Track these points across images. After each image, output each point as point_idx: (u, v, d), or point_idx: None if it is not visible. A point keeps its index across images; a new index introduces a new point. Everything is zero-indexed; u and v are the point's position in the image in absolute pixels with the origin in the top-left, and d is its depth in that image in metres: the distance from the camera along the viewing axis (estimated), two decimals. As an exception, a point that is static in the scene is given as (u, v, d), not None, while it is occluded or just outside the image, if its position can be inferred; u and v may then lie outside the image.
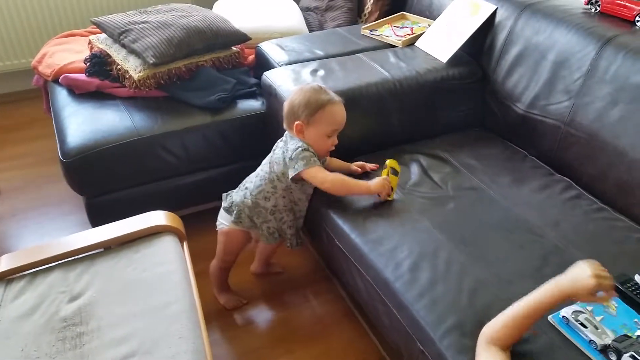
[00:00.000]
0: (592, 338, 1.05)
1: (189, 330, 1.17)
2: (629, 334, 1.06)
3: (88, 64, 2.00)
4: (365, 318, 1.69)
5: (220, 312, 1.74)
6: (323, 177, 1.47)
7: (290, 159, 1.47)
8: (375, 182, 1.47)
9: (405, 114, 1.80)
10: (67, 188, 1.89)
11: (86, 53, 2.09)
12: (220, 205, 1.63)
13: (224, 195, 1.63)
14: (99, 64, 1.99)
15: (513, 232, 1.37)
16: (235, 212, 1.57)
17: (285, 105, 1.52)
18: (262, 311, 1.77)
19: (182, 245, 1.46)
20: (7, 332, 1.19)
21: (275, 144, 1.58)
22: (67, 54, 2.19)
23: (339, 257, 1.49)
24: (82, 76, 1.99)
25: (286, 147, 1.51)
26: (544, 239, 1.35)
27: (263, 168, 1.58)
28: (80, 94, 1.98)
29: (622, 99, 1.48)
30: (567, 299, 1.04)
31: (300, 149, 1.47)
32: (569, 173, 1.62)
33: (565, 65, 1.62)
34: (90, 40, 2.12)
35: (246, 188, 1.59)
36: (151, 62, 1.85)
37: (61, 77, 2.02)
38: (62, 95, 2.00)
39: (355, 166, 1.63)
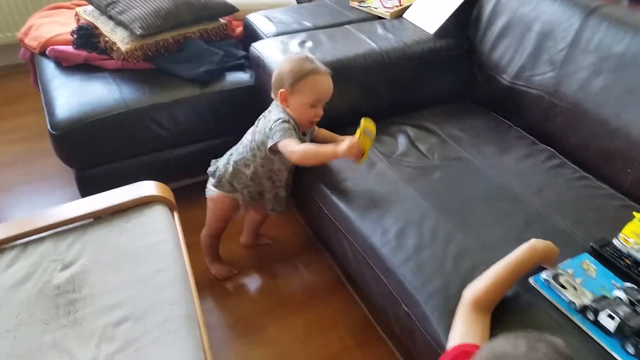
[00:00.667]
0: (572, 299, 1.08)
1: (181, 297, 1.20)
2: (607, 295, 1.10)
3: (75, 36, 1.98)
4: (354, 286, 1.73)
5: (212, 282, 1.77)
6: (292, 148, 1.43)
7: (270, 129, 1.48)
8: (343, 146, 1.38)
9: (392, 86, 1.81)
10: (57, 163, 1.90)
11: (73, 25, 2.07)
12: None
13: (212, 161, 1.65)
14: (87, 36, 1.98)
15: (497, 200, 1.41)
16: (217, 176, 1.60)
17: (273, 74, 1.53)
18: (253, 281, 1.80)
19: (173, 215, 1.48)
20: (1, 300, 1.21)
21: (262, 114, 1.59)
22: (54, 26, 2.17)
23: (328, 226, 1.52)
24: (69, 48, 1.98)
25: (269, 116, 1.53)
26: (527, 206, 1.38)
27: (246, 137, 1.60)
28: (68, 66, 1.97)
29: (605, 69, 1.50)
30: (540, 263, 1.09)
31: (280, 120, 1.47)
32: (553, 143, 1.65)
33: (550, 36, 1.64)
34: (77, 12, 2.10)
35: (231, 154, 1.61)
36: (138, 33, 1.85)
37: (48, 49, 2.01)
38: (49, 67, 1.99)
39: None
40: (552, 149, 1.63)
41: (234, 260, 1.83)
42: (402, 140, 1.66)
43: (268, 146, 1.48)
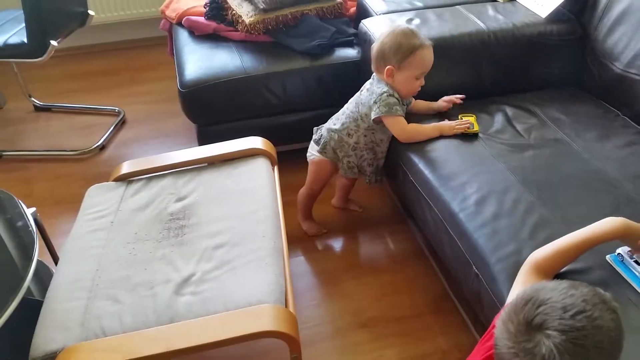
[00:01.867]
0: None
1: (271, 232, 1.35)
2: None
3: (207, 8, 2.22)
4: (435, 258, 1.78)
5: (302, 237, 1.92)
6: (401, 129, 1.59)
7: (375, 102, 1.58)
8: (446, 123, 1.56)
9: (497, 66, 1.82)
10: (182, 123, 2.15)
11: (207, 0, 2.32)
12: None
13: (315, 128, 1.79)
14: (217, 8, 2.21)
15: (588, 182, 1.39)
16: (322, 143, 1.72)
17: (375, 48, 1.61)
18: (338, 241, 1.92)
19: (273, 168, 1.64)
20: (126, 219, 1.44)
21: (364, 85, 1.69)
22: (191, 0, 2.43)
23: (412, 193, 1.60)
24: (201, 19, 2.23)
25: (372, 89, 1.62)
26: (619, 190, 1.35)
27: (349, 107, 1.71)
28: (199, 35, 2.22)
29: None
30: (617, 238, 1.07)
31: (385, 94, 1.57)
32: (662, 135, 1.58)
33: (670, 22, 1.57)
34: (210, -13, 2.34)
35: (334, 124, 1.72)
36: (262, 7, 2.04)
37: (184, 19, 2.27)
38: (183, 35, 2.26)
39: (443, 102, 1.70)
40: (660, 141, 1.56)
41: (325, 221, 1.97)
42: (499, 118, 1.68)
43: (372, 117, 1.59)
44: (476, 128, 1.59)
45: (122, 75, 2.99)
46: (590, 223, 1.14)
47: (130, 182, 1.59)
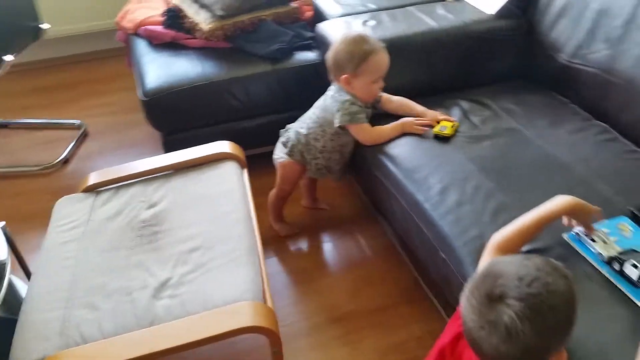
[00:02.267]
0: (600, 251, 1.15)
1: (244, 233, 1.38)
2: (636, 249, 1.15)
3: (164, 17, 2.23)
4: (405, 250, 1.84)
5: (275, 238, 1.95)
6: (365, 135, 1.65)
7: (338, 110, 1.63)
8: (407, 120, 1.60)
9: (450, 63, 1.90)
10: (146, 133, 2.15)
11: (163, 9, 2.32)
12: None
13: (281, 131, 1.82)
14: (174, 17, 2.22)
15: (542, 167, 1.47)
16: (289, 146, 1.76)
17: (329, 58, 1.65)
18: (311, 240, 1.97)
19: (243, 171, 1.67)
20: (97, 229, 1.45)
21: (328, 89, 1.74)
22: (147, 10, 2.43)
23: (379, 187, 1.65)
24: (159, 28, 2.23)
25: (335, 96, 1.66)
26: (571, 173, 1.44)
27: (315, 112, 1.75)
28: (157, 44, 2.23)
29: (660, 44, 1.52)
30: (567, 214, 1.15)
31: (347, 102, 1.62)
32: (608, 120, 1.67)
33: (607, 13, 1.67)
34: (167, -3, 2.36)
35: (301, 127, 1.76)
36: (219, 14, 2.06)
37: (141, 28, 2.27)
38: (141, 45, 2.26)
39: (436, 115, 1.68)
40: (607, 125, 1.67)
41: (297, 221, 2.00)
42: (455, 112, 1.75)
43: (335, 125, 1.64)
44: (449, 132, 1.59)
45: (82, 88, 2.95)
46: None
47: (98, 192, 1.59)
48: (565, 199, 1.15)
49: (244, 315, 1.14)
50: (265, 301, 1.22)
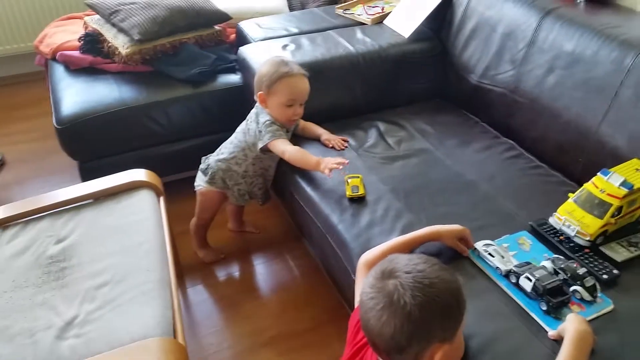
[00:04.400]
0: (498, 265, 1.20)
1: (156, 264, 1.35)
2: (532, 262, 1.21)
3: (82, 42, 2.18)
4: (327, 271, 1.85)
5: (200, 265, 1.92)
6: (282, 149, 1.59)
7: (259, 131, 1.63)
8: (325, 165, 1.48)
9: (368, 86, 1.95)
10: (66, 160, 2.08)
11: (81, 33, 2.27)
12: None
13: (202, 158, 1.81)
14: (92, 42, 2.17)
15: (449, 185, 1.53)
16: (209, 173, 1.74)
17: (255, 77, 1.68)
18: (237, 264, 1.95)
19: (159, 199, 1.64)
20: (2, 267, 1.38)
21: (249, 114, 1.74)
22: (65, 34, 2.37)
23: (298, 209, 1.66)
24: (76, 53, 2.18)
25: (257, 119, 1.67)
26: (476, 190, 1.50)
27: (237, 136, 1.74)
28: (75, 69, 2.17)
29: (558, 66, 1.61)
30: (436, 238, 1.25)
31: (268, 122, 1.63)
32: (514, 137, 1.76)
33: (511, 36, 1.76)
34: (85, 20, 2.30)
35: (222, 153, 1.75)
36: (137, 38, 2.03)
37: (58, 54, 2.21)
38: (59, 71, 2.19)
39: (325, 139, 1.73)
40: (513, 142, 1.74)
41: (222, 245, 1.99)
42: (372, 133, 1.79)
43: (259, 147, 1.63)
44: (361, 191, 1.48)
45: (-1, 114, 2.84)
46: (451, 222, 1.27)
47: (5, 227, 1.52)
48: (430, 229, 1.25)
49: (151, 353, 1.12)
50: (175, 336, 1.20)
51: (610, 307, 1.13)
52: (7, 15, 2.90)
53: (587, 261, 1.24)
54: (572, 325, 1.01)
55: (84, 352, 1.13)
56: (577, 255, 1.25)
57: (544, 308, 1.11)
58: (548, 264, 1.20)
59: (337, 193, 1.52)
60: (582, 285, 1.13)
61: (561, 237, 1.30)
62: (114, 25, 2.14)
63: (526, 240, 1.32)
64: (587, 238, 1.26)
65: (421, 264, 0.90)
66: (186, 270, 1.89)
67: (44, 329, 1.20)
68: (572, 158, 1.59)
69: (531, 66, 1.69)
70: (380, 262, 0.94)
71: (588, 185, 1.31)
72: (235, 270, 1.93)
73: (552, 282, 1.12)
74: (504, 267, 1.19)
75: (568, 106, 1.58)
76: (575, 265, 1.17)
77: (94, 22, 2.24)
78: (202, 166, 1.79)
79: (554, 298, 1.09)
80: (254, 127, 1.67)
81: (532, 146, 1.70)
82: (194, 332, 1.69)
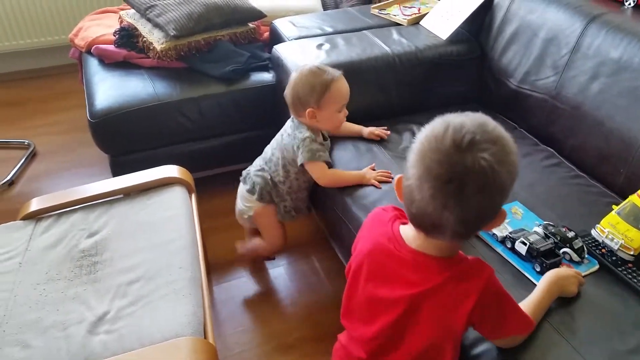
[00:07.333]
0: (494, 232, 1.29)
1: (188, 262, 1.34)
2: (525, 229, 1.30)
3: (117, 36, 2.19)
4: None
5: (225, 263, 1.91)
6: (321, 175, 1.56)
7: (298, 147, 1.56)
8: (369, 173, 1.53)
9: (403, 87, 1.92)
10: (95, 152, 2.09)
11: (117, 27, 2.28)
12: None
13: (242, 178, 1.73)
14: (127, 36, 2.18)
15: (488, 193, 1.49)
16: (257, 191, 1.66)
17: (288, 94, 1.56)
18: (262, 264, 1.93)
19: (190, 196, 1.63)
20: (35, 259, 1.39)
21: (283, 128, 1.66)
22: (100, 28, 2.38)
23: (331, 214, 1.64)
24: (111, 47, 2.19)
25: (294, 133, 1.58)
26: (515, 198, 1.45)
27: (274, 153, 1.65)
28: (110, 63, 2.18)
29: (603, 73, 1.56)
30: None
31: (308, 139, 1.54)
32: (554, 144, 1.71)
33: (554, 42, 1.71)
34: (120, 15, 2.31)
35: (263, 169, 1.67)
36: (172, 34, 2.03)
37: (93, 47, 2.22)
38: (93, 64, 2.20)
39: (371, 133, 1.71)
40: (552, 150, 1.70)
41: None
42: (406, 136, 1.76)
43: (299, 163, 1.56)
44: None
45: (31, 105, 2.86)
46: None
47: (39, 219, 1.53)
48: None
49: (181, 352, 1.10)
50: (206, 335, 1.19)
51: (596, 267, 1.23)
52: (43, 8, 2.93)
53: (630, 276, 1.20)
54: (545, 275, 1.13)
55: (116, 348, 1.13)
56: (619, 269, 1.22)
57: (538, 269, 1.20)
58: (540, 230, 1.28)
59: (370, 196, 1.49)
60: (572, 247, 1.22)
61: (603, 250, 1.26)
62: (149, 20, 2.14)
63: (518, 209, 1.41)
64: (631, 252, 1.23)
65: (491, 126, 0.87)
66: (214, 267, 1.88)
67: (76, 323, 1.19)
68: (613, 168, 1.53)
69: (574, 72, 1.64)
70: (436, 132, 0.89)
71: (633, 197, 1.27)
72: (260, 270, 1.92)
73: (545, 245, 1.22)
74: (499, 234, 1.29)
75: (611, 115, 1.53)
76: (564, 230, 1.25)
77: (129, 16, 2.25)
78: (247, 187, 1.70)
79: (547, 259, 1.19)
80: (291, 142, 1.59)
81: (572, 154, 1.65)
82: (219, 330, 1.68)
